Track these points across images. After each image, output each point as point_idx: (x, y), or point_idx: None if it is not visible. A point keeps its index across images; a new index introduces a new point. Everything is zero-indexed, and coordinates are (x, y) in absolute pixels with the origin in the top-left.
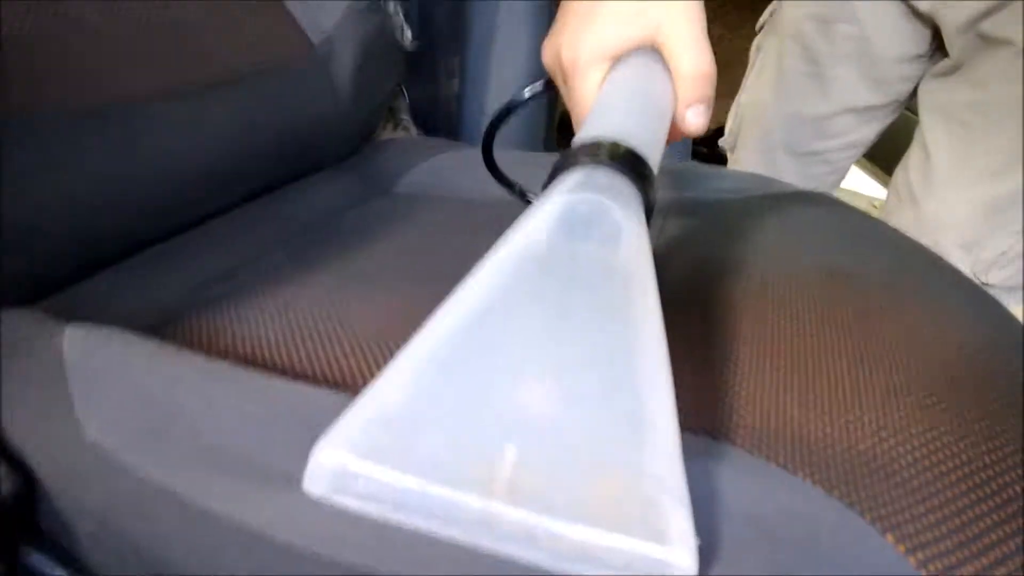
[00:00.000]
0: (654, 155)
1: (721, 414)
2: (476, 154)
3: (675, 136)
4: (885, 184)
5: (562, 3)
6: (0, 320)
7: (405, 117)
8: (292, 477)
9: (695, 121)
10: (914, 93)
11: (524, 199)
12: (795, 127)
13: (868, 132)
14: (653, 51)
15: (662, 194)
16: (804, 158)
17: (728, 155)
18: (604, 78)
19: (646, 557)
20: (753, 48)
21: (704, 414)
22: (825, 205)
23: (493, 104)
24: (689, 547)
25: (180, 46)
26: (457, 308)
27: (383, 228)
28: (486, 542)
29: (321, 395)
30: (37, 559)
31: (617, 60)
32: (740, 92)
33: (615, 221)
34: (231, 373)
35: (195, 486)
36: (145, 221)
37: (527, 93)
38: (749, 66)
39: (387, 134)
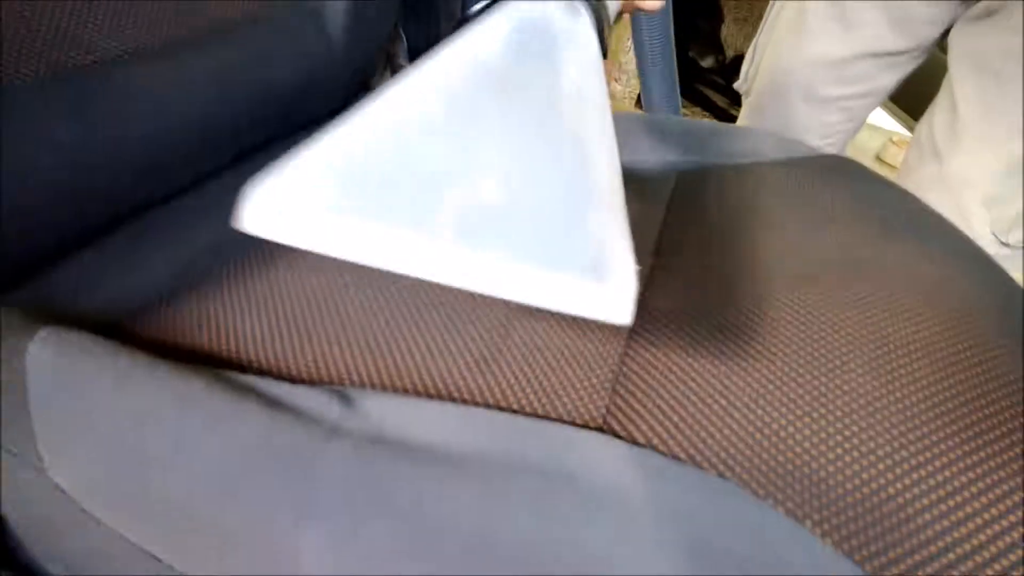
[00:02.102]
0: None
1: (710, 435)
2: None
3: (627, 8)
4: (903, 121)
5: None
6: None
7: (403, 63)
8: (255, 537)
9: None
10: (941, 38)
11: None
12: (813, 72)
13: (889, 79)
14: None
15: (674, 157)
16: (820, 105)
17: (743, 99)
18: None
19: (586, 291)
20: None
21: (690, 434)
22: (848, 174)
23: None
24: (628, 289)
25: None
26: (408, 94)
27: None
28: (427, 275)
29: (297, 425)
30: None
31: None
32: (758, 34)
33: (566, 29)
34: (205, 404)
35: (164, 545)
36: (125, 191)
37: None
38: (768, 7)
39: (384, 81)
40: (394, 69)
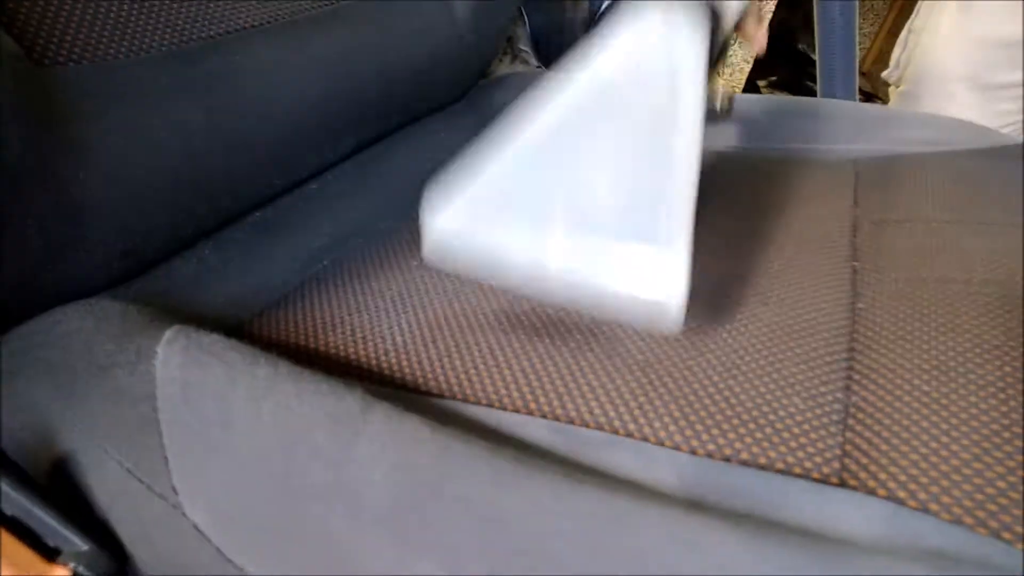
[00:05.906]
0: None
1: (969, 483)
2: None
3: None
4: None
5: None
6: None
7: (524, 48)
8: None
9: None
10: None
11: None
12: (982, 55)
13: None
14: None
15: (849, 144)
16: (990, 92)
17: (891, 90)
18: None
19: (646, 301)
20: None
21: (946, 483)
22: None
23: None
24: (678, 297)
25: None
26: (541, 118)
27: None
28: (540, 289)
29: (446, 451)
30: None
31: None
32: (912, 16)
33: (678, 48)
34: (367, 428)
35: None
36: (245, 178)
37: None
38: None
39: (504, 67)
40: (515, 56)
